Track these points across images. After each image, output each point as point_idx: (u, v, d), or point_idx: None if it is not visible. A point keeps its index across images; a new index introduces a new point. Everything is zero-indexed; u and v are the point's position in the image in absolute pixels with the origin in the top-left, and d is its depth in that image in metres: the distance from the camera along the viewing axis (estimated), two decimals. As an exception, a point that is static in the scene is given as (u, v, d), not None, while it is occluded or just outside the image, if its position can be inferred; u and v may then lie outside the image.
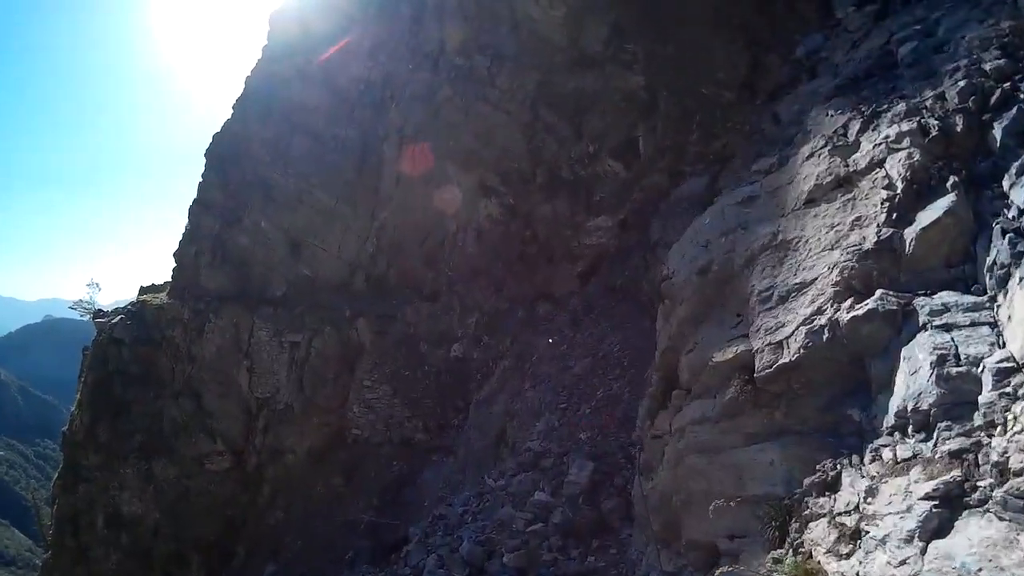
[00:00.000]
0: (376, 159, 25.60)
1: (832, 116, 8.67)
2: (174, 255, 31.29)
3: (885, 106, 7.68)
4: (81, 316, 35.39)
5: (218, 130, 30.67)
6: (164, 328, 28.63)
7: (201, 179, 30.64)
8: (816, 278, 6.40)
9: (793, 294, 6.53)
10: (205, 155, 30.48)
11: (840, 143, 7.66)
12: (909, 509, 4.32)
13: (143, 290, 33.05)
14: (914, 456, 4.67)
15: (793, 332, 6.18)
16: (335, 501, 22.17)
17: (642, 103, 21.76)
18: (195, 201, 30.06)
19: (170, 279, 31.23)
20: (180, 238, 31.05)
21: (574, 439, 13.54)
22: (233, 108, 30.80)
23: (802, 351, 5.99)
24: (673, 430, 7.82)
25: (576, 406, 14.96)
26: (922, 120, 6.76)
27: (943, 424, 4.56)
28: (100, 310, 33.97)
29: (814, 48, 16.27)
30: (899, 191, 6.31)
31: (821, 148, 7.81)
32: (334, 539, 20.68)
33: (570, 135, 21.58)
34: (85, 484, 30.54)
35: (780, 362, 6.15)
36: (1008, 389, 4.31)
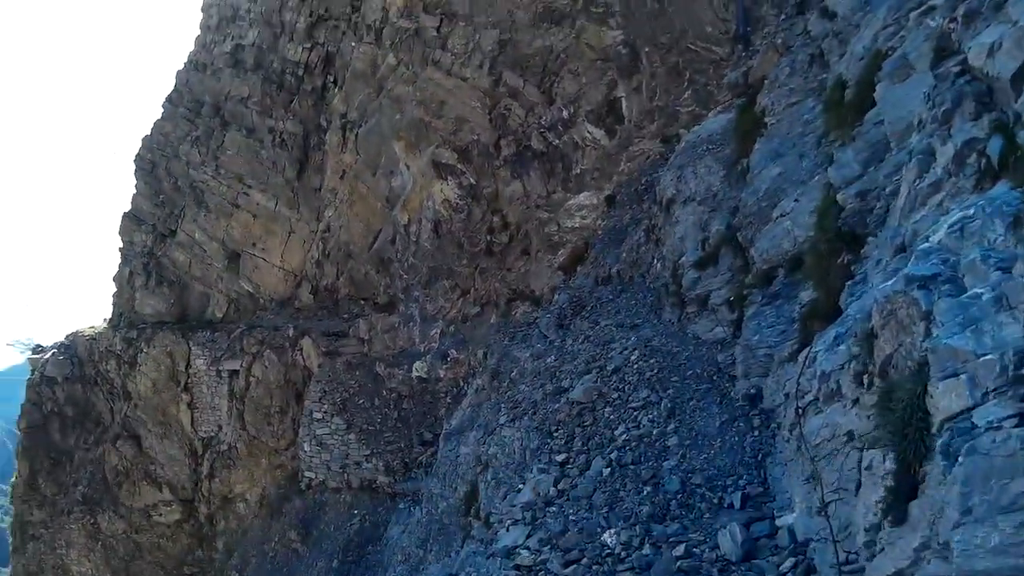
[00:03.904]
0: (319, 153, 21.98)
1: None
2: (113, 278, 27.72)
3: None
4: (21, 353, 31.82)
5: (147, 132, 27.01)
6: (98, 362, 25.13)
7: (134, 189, 27.01)
8: None
9: None
10: (134, 161, 26.80)
11: None
12: None
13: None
14: None
15: None
16: (293, 560, 18.60)
17: (622, 60, 18.52)
18: (125, 215, 26.35)
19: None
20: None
21: (588, 540, 7.07)
22: (163, 106, 27.13)
23: None
24: None
25: (582, 458, 8.93)
26: None
27: None
28: (38, 346, 30.36)
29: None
30: None
31: None
32: (290, 610, 17.13)
33: (539, 100, 18.03)
34: (33, 542, 27.42)
35: None
36: None
